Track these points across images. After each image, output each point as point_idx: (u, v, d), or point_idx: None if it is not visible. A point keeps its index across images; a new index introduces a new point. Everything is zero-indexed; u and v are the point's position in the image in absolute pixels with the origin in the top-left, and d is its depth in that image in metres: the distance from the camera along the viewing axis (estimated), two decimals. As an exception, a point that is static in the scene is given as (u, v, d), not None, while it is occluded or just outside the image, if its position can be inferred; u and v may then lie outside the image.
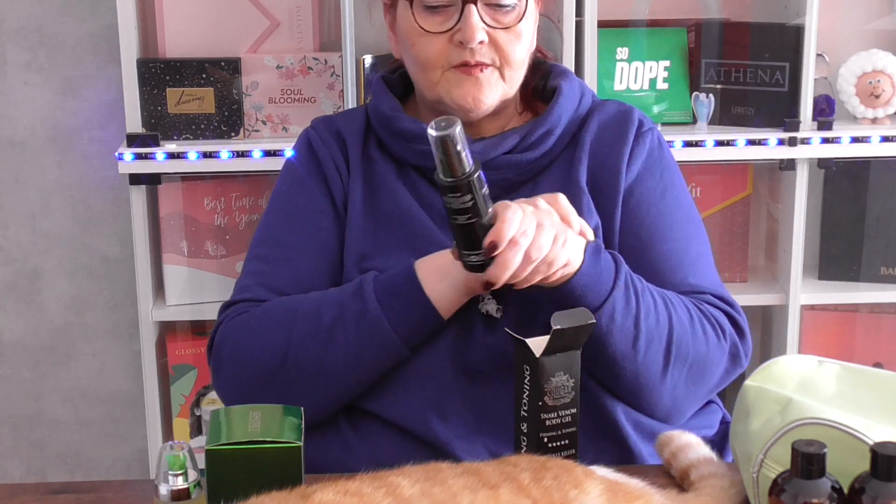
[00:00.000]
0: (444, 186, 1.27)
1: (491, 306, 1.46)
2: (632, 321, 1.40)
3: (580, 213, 1.48)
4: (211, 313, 2.42)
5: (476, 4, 1.48)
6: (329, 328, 1.43)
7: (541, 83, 1.63)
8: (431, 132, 1.24)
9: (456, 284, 1.42)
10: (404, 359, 1.45)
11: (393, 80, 1.64)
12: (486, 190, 1.28)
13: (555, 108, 1.56)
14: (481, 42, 1.49)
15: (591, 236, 1.43)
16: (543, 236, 1.32)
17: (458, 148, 1.24)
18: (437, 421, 1.44)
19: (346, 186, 1.58)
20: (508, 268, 1.30)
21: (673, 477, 1.28)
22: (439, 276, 1.42)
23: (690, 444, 1.29)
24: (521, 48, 1.52)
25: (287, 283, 1.52)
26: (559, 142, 1.57)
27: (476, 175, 1.26)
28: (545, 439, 1.24)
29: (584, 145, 1.56)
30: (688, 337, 1.44)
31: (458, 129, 1.24)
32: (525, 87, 1.62)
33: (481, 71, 1.50)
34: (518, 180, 1.55)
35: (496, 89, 1.52)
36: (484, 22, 1.49)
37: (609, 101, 1.64)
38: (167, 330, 2.51)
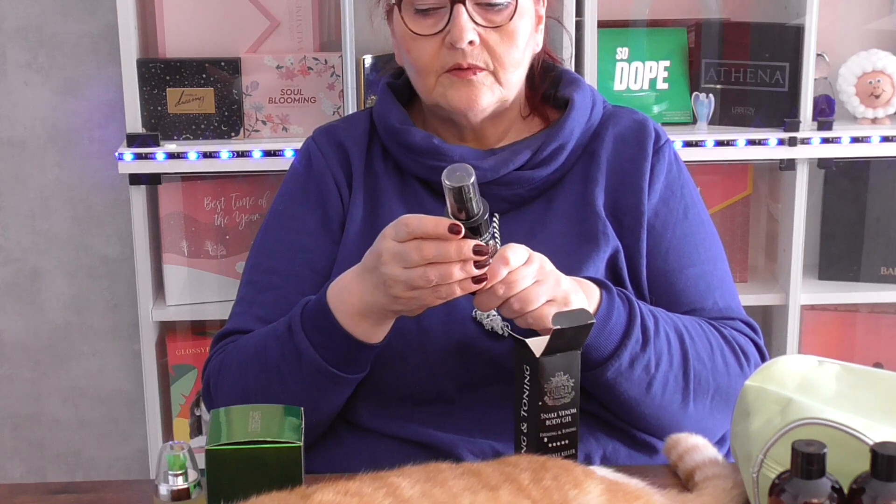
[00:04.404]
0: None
1: (496, 323, 1.45)
2: (642, 370, 1.40)
3: (596, 240, 1.48)
4: (211, 313, 2.44)
5: (465, 4, 1.46)
6: (277, 367, 1.41)
7: (551, 90, 1.61)
8: (446, 182, 1.23)
9: (372, 317, 1.35)
10: (364, 375, 1.42)
11: (398, 86, 1.61)
12: (493, 230, 1.28)
13: (567, 123, 1.53)
14: (472, 43, 1.46)
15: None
16: (535, 290, 1.30)
17: (470, 195, 1.24)
18: (439, 432, 1.44)
19: (345, 204, 1.56)
20: (486, 305, 1.30)
21: (675, 477, 1.28)
22: (352, 312, 1.36)
23: (697, 447, 1.29)
24: (515, 49, 1.49)
25: (274, 311, 1.49)
26: (571, 155, 1.54)
27: (483, 220, 1.27)
28: (545, 439, 1.24)
29: (599, 162, 1.55)
30: (707, 372, 1.44)
31: (472, 181, 1.23)
32: (535, 93, 1.60)
33: (474, 74, 1.48)
34: (529, 196, 1.53)
35: (492, 92, 1.50)
36: (475, 22, 1.47)
37: (620, 110, 1.61)
38: (167, 330, 2.51)
